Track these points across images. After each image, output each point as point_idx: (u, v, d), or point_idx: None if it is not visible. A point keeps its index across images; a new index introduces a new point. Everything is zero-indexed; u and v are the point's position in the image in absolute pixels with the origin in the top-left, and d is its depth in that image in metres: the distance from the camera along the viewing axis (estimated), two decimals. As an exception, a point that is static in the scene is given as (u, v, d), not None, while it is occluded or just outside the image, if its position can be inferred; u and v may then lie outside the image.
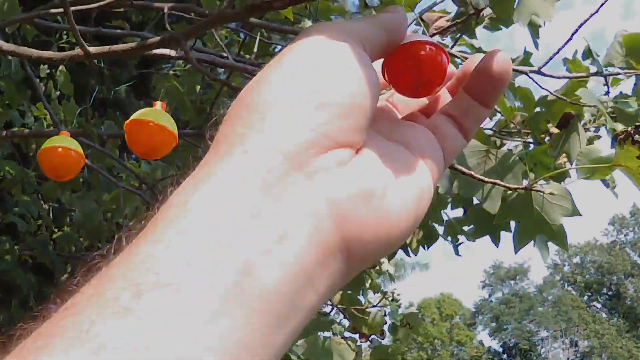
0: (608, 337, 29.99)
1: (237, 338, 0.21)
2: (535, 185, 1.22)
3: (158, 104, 0.97)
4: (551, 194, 1.22)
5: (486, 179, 1.24)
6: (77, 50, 1.03)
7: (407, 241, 1.82)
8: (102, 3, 1.21)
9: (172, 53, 1.17)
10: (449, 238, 1.78)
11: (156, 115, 0.94)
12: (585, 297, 33.15)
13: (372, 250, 0.25)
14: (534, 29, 1.41)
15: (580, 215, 1.29)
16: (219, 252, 0.22)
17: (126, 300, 0.21)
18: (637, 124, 0.93)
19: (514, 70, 1.28)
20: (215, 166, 0.24)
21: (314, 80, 0.25)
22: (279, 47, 1.98)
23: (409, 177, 0.27)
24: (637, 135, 0.78)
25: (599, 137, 1.51)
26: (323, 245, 0.24)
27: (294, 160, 0.24)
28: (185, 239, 0.22)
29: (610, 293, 32.63)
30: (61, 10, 1.41)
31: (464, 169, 1.27)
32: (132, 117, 0.94)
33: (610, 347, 29.45)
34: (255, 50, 1.48)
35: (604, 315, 32.22)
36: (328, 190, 0.24)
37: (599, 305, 33.05)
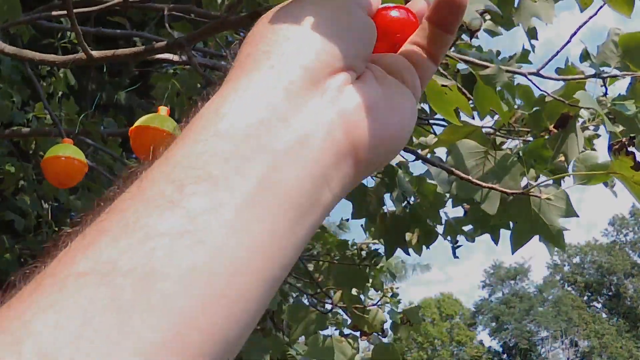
0: (608, 337, 29.98)
1: (266, 225, 0.24)
2: (532, 189, 1.23)
3: (162, 110, 0.98)
4: (548, 199, 1.22)
5: (484, 184, 1.25)
6: (80, 54, 1.04)
7: (407, 239, 1.82)
8: (104, 5, 1.21)
9: (175, 58, 1.18)
10: (449, 238, 1.79)
11: (160, 120, 0.95)
12: (585, 297, 33.14)
13: (375, 156, 0.30)
14: (530, 33, 1.42)
15: (577, 216, 1.29)
16: (251, 149, 0.25)
17: (169, 194, 0.23)
18: (631, 135, 0.95)
19: (512, 71, 1.28)
20: (243, 79, 0.28)
21: (331, 17, 0.30)
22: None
23: (400, 96, 0.32)
24: (631, 147, 0.79)
25: (598, 135, 1.51)
26: (336, 149, 0.28)
27: (312, 77, 0.28)
28: (220, 139, 0.25)
29: (610, 293, 32.61)
30: (64, 12, 1.41)
31: (461, 174, 1.28)
32: (136, 123, 0.96)
33: (610, 347, 29.45)
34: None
35: (604, 315, 32.21)
36: (338, 104, 0.28)
37: (599, 305, 33.04)
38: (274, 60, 0.28)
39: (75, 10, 1.05)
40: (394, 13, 0.36)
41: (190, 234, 0.22)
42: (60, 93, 2.52)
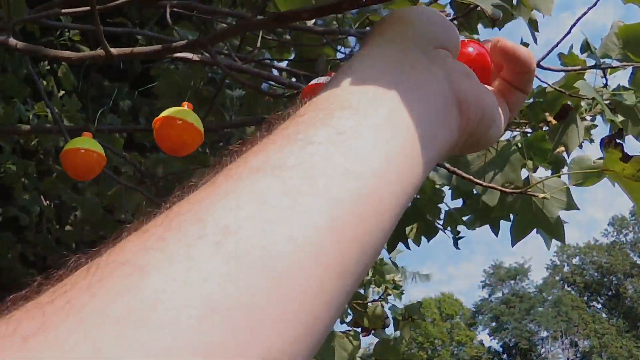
0: (608, 337, 29.99)
1: (397, 146, 0.30)
2: (529, 188, 1.24)
3: (184, 105, 1.01)
4: (545, 198, 1.23)
5: (484, 183, 1.26)
6: (99, 51, 1.04)
7: (407, 232, 1.83)
8: (114, 3, 1.22)
9: (195, 57, 1.20)
10: (449, 228, 1.79)
11: (184, 114, 0.98)
12: (585, 298, 33.13)
13: (474, 116, 0.36)
14: (532, 24, 1.43)
15: (578, 209, 1.30)
16: (381, 88, 0.32)
17: (321, 117, 0.30)
18: (620, 128, 0.96)
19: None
20: (367, 48, 0.36)
21: (428, 13, 0.39)
22: (278, 42, 1.99)
23: (491, 93, 0.40)
24: (619, 139, 0.81)
25: (595, 126, 1.52)
26: (444, 97, 0.34)
27: (421, 47, 0.36)
28: (357, 82, 0.32)
29: (610, 293, 32.61)
30: (71, 10, 1.42)
31: (463, 174, 1.29)
32: (161, 115, 0.98)
33: (610, 347, 29.45)
34: (258, 45, 1.50)
35: (604, 315, 32.20)
36: (444, 66, 0.36)
37: (599, 306, 33.03)
38: (390, 37, 0.36)
39: (98, 7, 1.05)
40: (470, 49, 0.42)
41: (339, 144, 0.28)
42: (62, 92, 2.53)
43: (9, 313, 0.21)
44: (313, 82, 0.87)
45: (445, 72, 0.35)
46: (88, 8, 1.31)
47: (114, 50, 1.04)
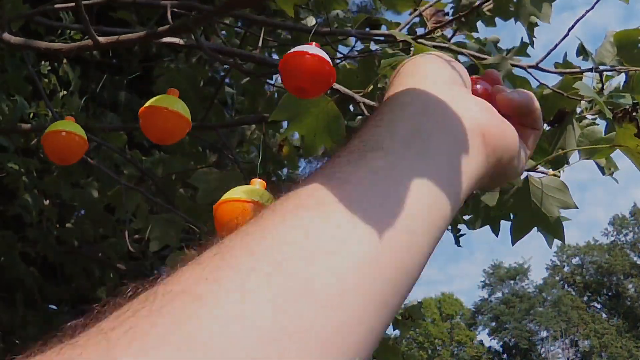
0: (608, 337, 29.99)
1: (429, 183, 0.33)
2: (532, 180, 1.24)
3: (172, 92, 0.98)
4: (547, 191, 1.23)
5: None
6: (87, 40, 1.04)
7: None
8: (122, 0, 1.22)
9: (182, 42, 1.18)
10: (450, 227, 1.80)
11: (170, 101, 0.95)
12: (585, 298, 33.13)
13: (498, 145, 0.39)
14: (529, 28, 1.44)
15: (577, 207, 1.30)
16: (409, 132, 0.34)
17: (355, 159, 0.32)
18: (634, 102, 0.94)
19: (511, 64, 1.30)
20: (401, 87, 0.39)
21: (442, 60, 0.43)
22: (277, 42, 2.00)
23: (511, 125, 0.42)
24: (634, 113, 0.79)
25: (597, 124, 1.52)
26: (471, 127, 0.37)
27: (443, 88, 0.39)
28: (393, 114, 0.36)
29: (610, 293, 32.61)
30: (65, 5, 1.43)
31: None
32: (146, 104, 0.95)
33: (610, 347, 29.46)
34: (260, 44, 1.51)
35: (603, 315, 32.21)
36: (465, 102, 0.39)
37: (599, 306, 33.04)
38: (412, 82, 0.40)
39: (84, 2, 1.05)
40: (478, 86, 0.45)
41: (374, 183, 0.31)
42: (64, 92, 2.53)
43: (73, 339, 0.23)
44: (290, 51, 0.83)
45: (467, 107, 0.38)
46: (90, 1, 1.32)
47: (101, 39, 1.03)
